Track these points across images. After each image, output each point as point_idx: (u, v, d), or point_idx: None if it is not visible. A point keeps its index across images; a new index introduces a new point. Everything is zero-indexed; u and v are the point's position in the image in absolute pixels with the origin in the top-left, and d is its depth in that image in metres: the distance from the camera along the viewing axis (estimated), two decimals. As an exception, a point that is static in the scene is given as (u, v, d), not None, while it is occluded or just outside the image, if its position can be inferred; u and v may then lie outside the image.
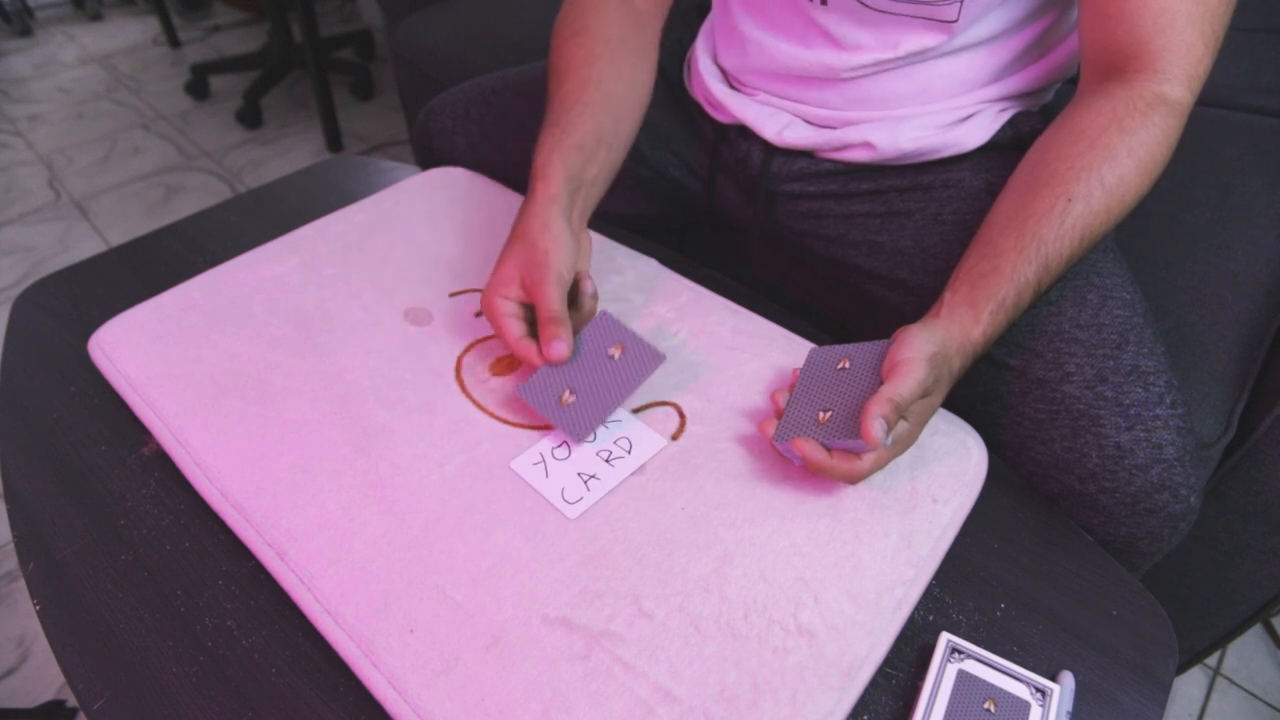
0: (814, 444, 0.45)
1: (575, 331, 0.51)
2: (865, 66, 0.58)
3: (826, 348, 0.50)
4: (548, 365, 0.50)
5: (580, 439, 0.49)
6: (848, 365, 0.48)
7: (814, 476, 0.48)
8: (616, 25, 0.62)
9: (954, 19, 0.54)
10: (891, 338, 0.47)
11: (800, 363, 0.51)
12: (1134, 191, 0.48)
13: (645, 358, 0.50)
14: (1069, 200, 0.47)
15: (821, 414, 0.46)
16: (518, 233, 0.52)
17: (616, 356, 0.50)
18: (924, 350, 0.44)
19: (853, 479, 0.45)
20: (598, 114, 0.57)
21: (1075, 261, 0.49)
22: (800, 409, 0.47)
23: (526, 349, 0.50)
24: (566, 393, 0.50)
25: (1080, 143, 0.48)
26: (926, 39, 0.56)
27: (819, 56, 0.59)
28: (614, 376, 0.50)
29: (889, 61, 0.57)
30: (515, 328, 0.51)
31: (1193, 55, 0.48)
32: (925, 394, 0.44)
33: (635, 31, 0.63)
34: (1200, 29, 0.47)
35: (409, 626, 0.41)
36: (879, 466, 0.45)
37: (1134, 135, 0.47)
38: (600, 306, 0.60)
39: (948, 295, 0.49)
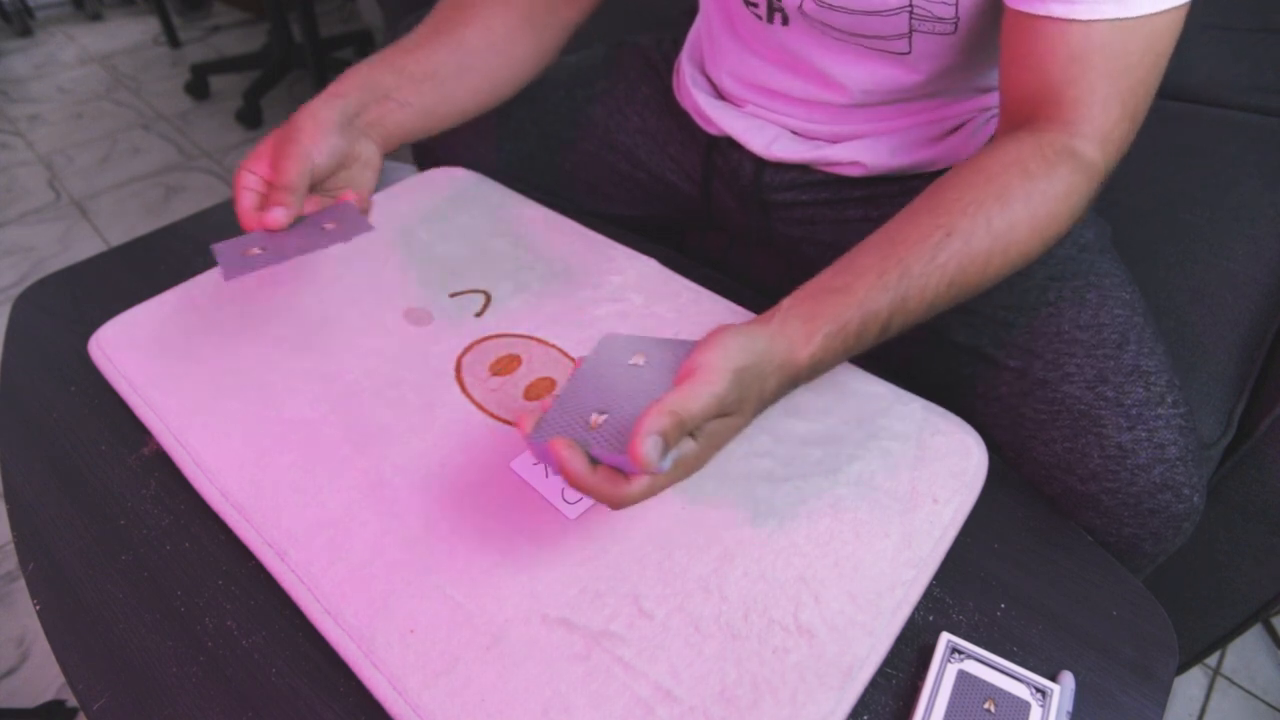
0: (575, 451, 0.36)
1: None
2: (847, 105, 0.59)
3: (623, 336, 0.43)
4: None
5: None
6: (641, 362, 0.41)
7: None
8: None
9: (906, 51, 0.54)
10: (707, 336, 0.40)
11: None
12: (1021, 246, 0.43)
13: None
14: (947, 234, 0.42)
15: (595, 416, 0.38)
16: (290, 116, 0.53)
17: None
18: (732, 360, 0.37)
19: (616, 504, 0.37)
20: (439, 51, 0.58)
21: (938, 309, 0.43)
22: (571, 404, 0.39)
23: (252, 220, 0.51)
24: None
25: (976, 177, 0.44)
26: (894, 73, 0.56)
27: (804, 88, 0.60)
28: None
29: (868, 96, 0.58)
30: (248, 199, 0.51)
31: (1108, 115, 0.44)
32: (724, 412, 0.37)
33: (534, 7, 0.61)
34: (1117, 88, 0.43)
35: (409, 626, 0.41)
36: (652, 493, 0.37)
37: (1034, 181, 0.43)
38: (598, 307, 0.60)
39: (786, 303, 0.43)
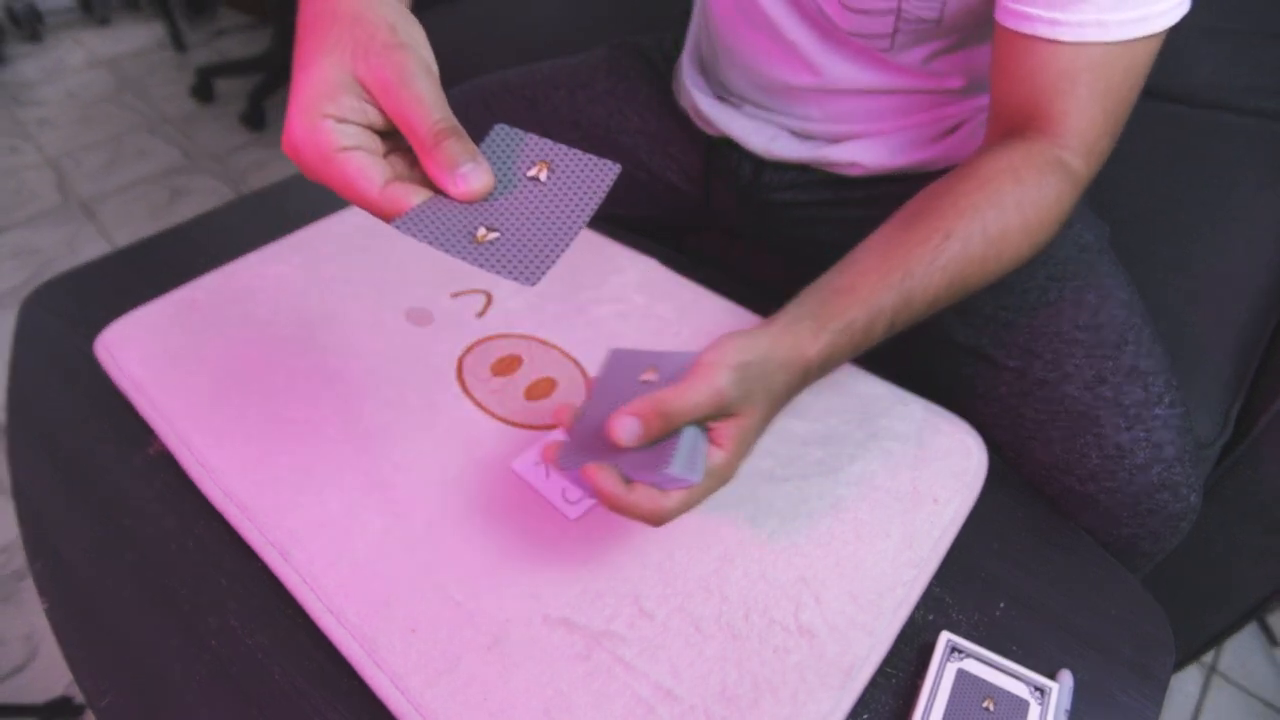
0: (608, 472, 0.36)
1: None
2: (837, 90, 0.59)
3: (631, 351, 0.42)
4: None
5: (535, 279, 0.32)
6: (653, 378, 0.39)
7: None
8: None
9: (888, 48, 0.54)
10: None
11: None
12: (1014, 249, 0.45)
13: (588, 171, 0.35)
14: (946, 236, 0.43)
15: None
16: (313, 14, 0.34)
17: (543, 177, 0.35)
18: (732, 357, 0.37)
19: (656, 520, 0.37)
20: None
21: (940, 306, 0.44)
22: (591, 427, 0.38)
23: (398, 198, 0.32)
24: (482, 229, 0.32)
25: (969, 182, 0.45)
26: (873, 69, 0.56)
27: (797, 76, 0.60)
28: (552, 202, 0.34)
29: (841, 85, 0.58)
30: (374, 170, 0.31)
31: (1093, 129, 0.46)
32: (727, 410, 0.37)
33: None
34: (1102, 104, 0.45)
35: (411, 626, 0.41)
36: (688, 506, 0.37)
37: (1026, 188, 0.44)
38: (599, 307, 0.61)
39: (792, 304, 0.43)
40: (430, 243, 0.32)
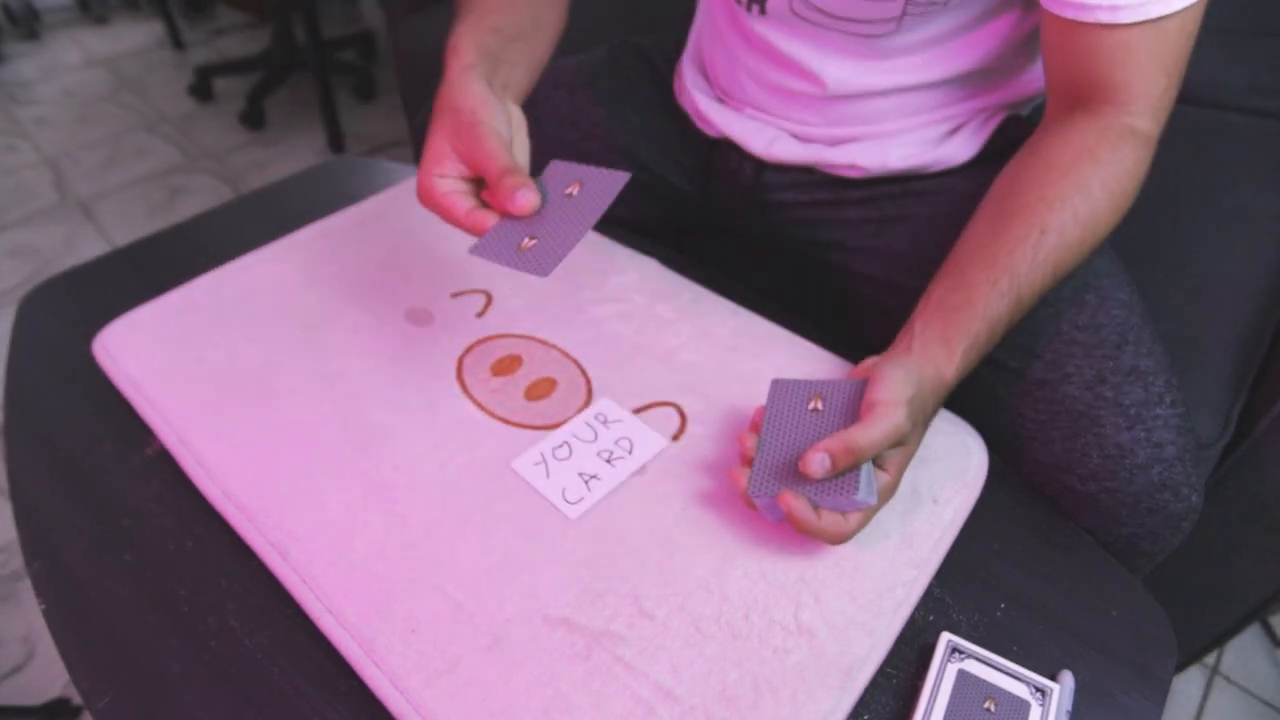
0: (802, 501, 0.41)
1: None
2: (824, 96, 0.59)
3: (793, 381, 0.47)
4: (506, 221, 0.45)
5: (546, 272, 0.42)
6: (820, 406, 0.44)
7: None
8: None
9: (893, 31, 0.54)
10: (861, 372, 0.45)
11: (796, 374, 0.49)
12: (1105, 224, 0.48)
13: (606, 181, 0.46)
14: (1042, 232, 0.46)
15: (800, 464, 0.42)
16: (435, 109, 0.48)
17: (575, 193, 0.46)
18: (902, 393, 0.42)
19: (839, 540, 0.42)
20: (516, 6, 0.54)
21: (1047, 293, 0.48)
22: (773, 456, 0.44)
23: (479, 219, 0.45)
24: (526, 239, 0.44)
25: (1051, 172, 0.48)
26: (870, 67, 0.56)
27: (781, 79, 0.60)
28: (575, 210, 0.45)
29: (844, 87, 0.58)
30: (464, 201, 0.45)
31: (1156, 88, 0.47)
32: (900, 441, 0.42)
33: None
34: (1162, 63, 0.46)
35: (410, 626, 0.41)
36: (863, 525, 0.43)
37: (1106, 167, 0.47)
38: (599, 307, 0.61)
39: (919, 328, 0.47)
40: (492, 260, 0.44)
